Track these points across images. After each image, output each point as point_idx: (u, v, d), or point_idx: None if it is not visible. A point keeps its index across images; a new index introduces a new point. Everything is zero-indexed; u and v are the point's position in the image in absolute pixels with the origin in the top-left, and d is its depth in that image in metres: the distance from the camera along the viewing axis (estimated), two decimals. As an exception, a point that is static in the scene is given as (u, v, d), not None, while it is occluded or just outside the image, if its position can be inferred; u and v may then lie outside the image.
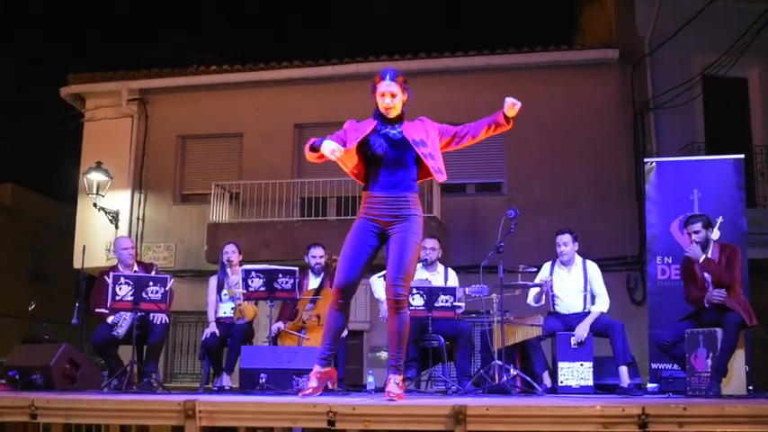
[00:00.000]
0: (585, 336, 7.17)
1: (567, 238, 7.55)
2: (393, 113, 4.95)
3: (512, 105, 4.92)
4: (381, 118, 4.99)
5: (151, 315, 7.35)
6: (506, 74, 14.09)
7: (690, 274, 7.00)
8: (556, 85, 13.87)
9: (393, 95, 4.92)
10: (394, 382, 4.84)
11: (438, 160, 4.96)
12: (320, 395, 4.92)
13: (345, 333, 7.80)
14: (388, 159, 4.90)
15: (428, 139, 4.96)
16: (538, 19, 25.24)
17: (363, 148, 4.93)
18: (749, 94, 13.74)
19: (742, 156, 8.37)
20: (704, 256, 6.69)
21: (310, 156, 4.93)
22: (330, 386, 5.23)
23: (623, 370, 7.08)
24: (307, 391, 4.88)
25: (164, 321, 7.43)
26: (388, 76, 4.93)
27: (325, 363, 5.04)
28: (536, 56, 14.03)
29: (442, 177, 4.92)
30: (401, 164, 4.91)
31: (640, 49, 13.59)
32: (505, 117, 4.97)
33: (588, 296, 7.47)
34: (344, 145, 4.89)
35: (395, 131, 4.94)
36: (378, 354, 12.15)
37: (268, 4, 31.39)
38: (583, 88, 13.78)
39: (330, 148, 4.73)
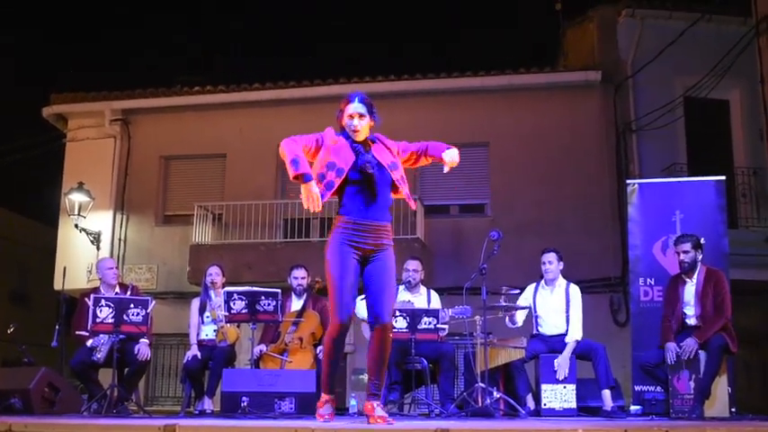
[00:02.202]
0: (567, 371, 7.17)
1: (552, 256, 7.59)
2: (360, 136, 4.89)
3: (451, 161, 4.91)
4: (352, 140, 4.93)
5: (136, 348, 7.28)
6: (489, 95, 14.15)
7: (671, 296, 7.03)
8: (539, 106, 13.93)
9: (361, 116, 4.87)
10: (378, 407, 4.78)
11: (407, 184, 4.98)
12: (303, 419, 4.88)
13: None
14: (369, 184, 4.82)
15: (396, 160, 4.94)
16: (521, 41, 25.46)
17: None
18: (730, 115, 13.82)
19: (723, 177, 8.41)
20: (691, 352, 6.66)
21: (290, 170, 4.81)
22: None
23: (606, 393, 7.09)
24: (326, 417, 4.87)
25: (147, 358, 7.37)
26: (356, 99, 4.91)
27: (332, 391, 5.03)
28: (519, 77, 14.10)
29: (414, 204, 4.99)
30: (378, 190, 4.84)
31: (623, 72, 13.70)
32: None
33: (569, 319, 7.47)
34: (320, 147, 4.91)
35: (369, 156, 4.87)
36: (361, 377, 12.06)
37: (251, 25, 31.49)
38: (566, 110, 13.84)
39: (311, 195, 4.67)
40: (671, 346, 6.72)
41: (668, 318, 6.96)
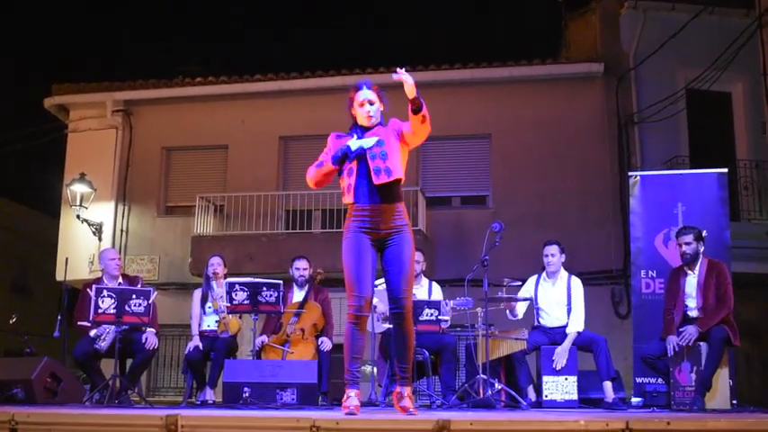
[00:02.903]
0: (564, 362, 7.17)
1: (554, 249, 7.58)
2: (374, 121, 4.97)
3: (405, 82, 4.63)
4: (359, 129, 4.98)
5: (143, 337, 7.28)
6: (491, 87, 14.14)
7: (673, 288, 7.03)
8: (541, 98, 13.92)
9: (371, 102, 4.95)
10: (407, 398, 4.82)
11: (390, 159, 4.82)
12: (305, 410, 4.88)
13: (329, 347, 7.78)
14: (367, 169, 4.82)
15: (387, 138, 4.88)
16: (524, 33, 25.43)
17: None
18: (733, 108, 13.83)
19: (726, 170, 8.39)
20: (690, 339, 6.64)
21: (319, 173, 4.96)
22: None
23: (607, 385, 7.10)
24: (352, 408, 4.66)
25: (153, 347, 7.36)
26: (365, 86, 4.99)
27: (358, 386, 4.88)
28: (521, 69, 14.09)
29: (377, 179, 4.77)
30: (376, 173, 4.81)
31: (625, 64, 13.69)
32: (413, 105, 4.70)
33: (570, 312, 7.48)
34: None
35: (363, 141, 4.89)
36: (362, 367, 12.09)
37: (254, 16, 31.46)
38: (568, 102, 13.83)
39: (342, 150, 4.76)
40: (673, 339, 6.72)
41: (670, 310, 6.96)
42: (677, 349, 6.65)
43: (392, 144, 4.90)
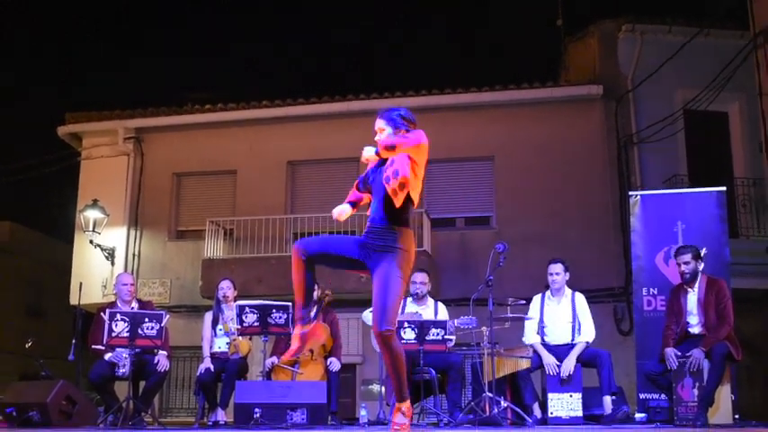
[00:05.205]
0: (572, 369, 7.27)
1: (558, 267, 7.70)
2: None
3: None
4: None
5: (155, 359, 7.44)
6: (493, 110, 14.31)
7: (674, 306, 7.16)
8: (542, 120, 14.06)
9: (381, 130, 5.05)
10: (400, 412, 4.79)
11: (401, 170, 4.83)
12: (314, 429, 4.96)
13: (338, 367, 7.92)
14: (375, 191, 4.98)
15: (400, 159, 4.89)
16: (523, 57, 25.65)
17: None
18: (730, 127, 13.97)
19: (724, 188, 8.53)
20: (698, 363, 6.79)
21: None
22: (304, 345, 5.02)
23: (607, 399, 7.21)
24: (292, 352, 4.96)
25: (165, 369, 7.52)
26: (378, 116, 5.13)
27: (305, 321, 4.93)
28: (522, 93, 14.23)
29: (388, 185, 4.80)
30: (381, 197, 4.87)
31: (623, 86, 13.84)
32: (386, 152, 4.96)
33: (577, 327, 7.58)
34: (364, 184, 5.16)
35: (380, 167, 5.02)
36: (370, 387, 12.21)
37: (261, 42, 31.74)
38: (568, 124, 13.98)
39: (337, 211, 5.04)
40: (670, 351, 6.86)
41: (669, 326, 7.10)
42: (676, 365, 6.79)
43: (403, 161, 4.89)
